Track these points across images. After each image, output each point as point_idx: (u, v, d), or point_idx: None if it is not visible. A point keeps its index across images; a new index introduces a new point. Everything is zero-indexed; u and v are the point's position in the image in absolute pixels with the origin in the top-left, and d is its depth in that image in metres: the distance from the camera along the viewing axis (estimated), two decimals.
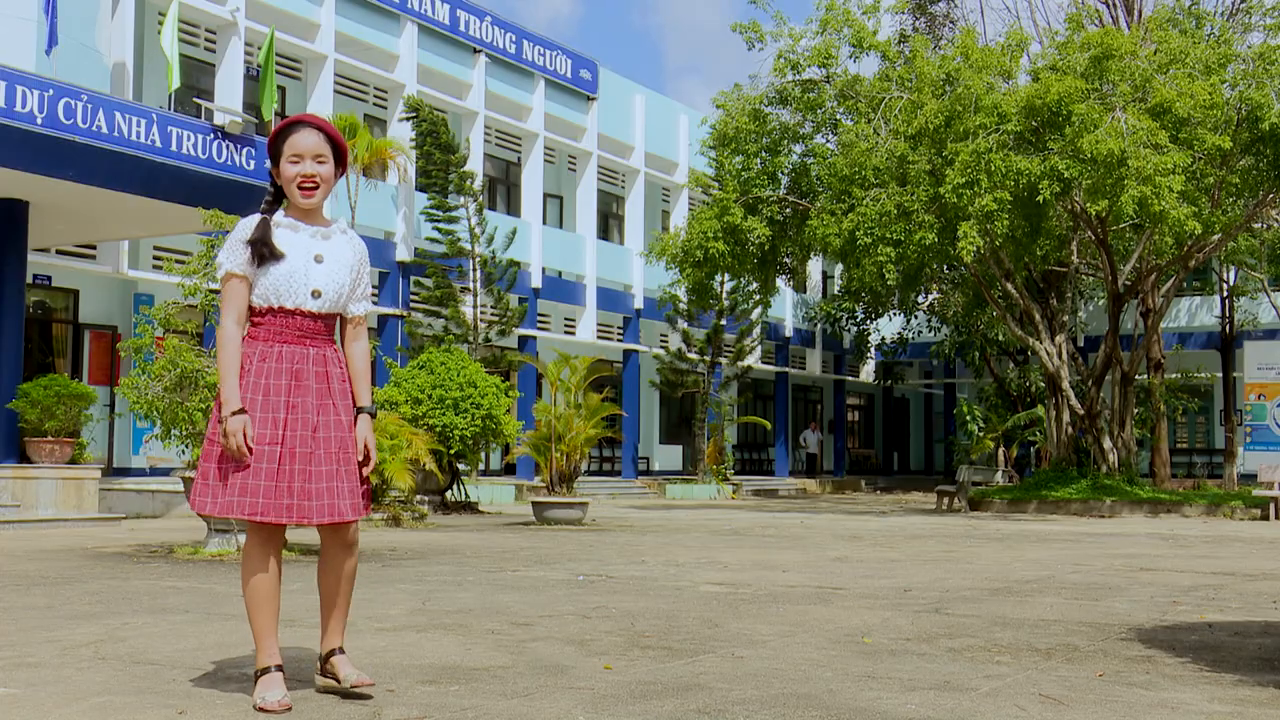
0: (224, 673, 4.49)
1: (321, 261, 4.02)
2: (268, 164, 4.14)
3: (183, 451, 10.59)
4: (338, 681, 4.05)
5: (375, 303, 24.96)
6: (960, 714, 3.91)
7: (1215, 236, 22.64)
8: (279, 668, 3.91)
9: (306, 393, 3.96)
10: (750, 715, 3.85)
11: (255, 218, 4.04)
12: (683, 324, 31.84)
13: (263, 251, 3.95)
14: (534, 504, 16.36)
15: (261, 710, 3.76)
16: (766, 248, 24.77)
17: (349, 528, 4.04)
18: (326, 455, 3.94)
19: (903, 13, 29.17)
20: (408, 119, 25.02)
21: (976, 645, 5.41)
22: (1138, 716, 3.92)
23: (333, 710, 3.85)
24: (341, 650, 4.09)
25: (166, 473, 17.89)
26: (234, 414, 3.84)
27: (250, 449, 3.84)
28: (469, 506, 18.89)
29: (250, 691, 3.98)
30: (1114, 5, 26.36)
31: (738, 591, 7.67)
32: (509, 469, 27.95)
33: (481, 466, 23.88)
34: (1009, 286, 24.31)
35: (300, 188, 4.01)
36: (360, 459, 4.04)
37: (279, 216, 4.05)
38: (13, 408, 15.32)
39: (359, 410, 4.10)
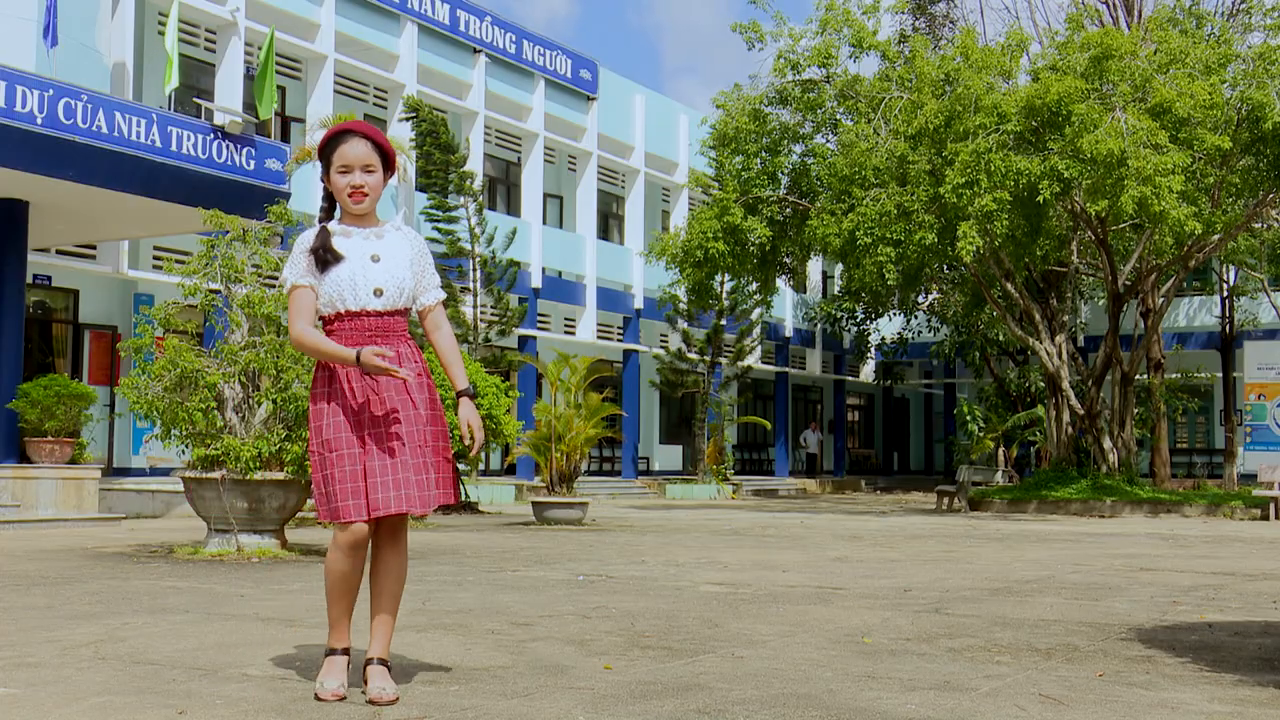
0: (224, 673, 4.49)
1: (379, 260, 4.13)
2: (318, 170, 4.25)
3: (183, 451, 10.60)
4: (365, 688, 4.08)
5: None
6: (960, 714, 3.91)
7: (1215, 236, 22.65)
8: (345, 650, 4.08)
9: (385, 388, 4.04)
10: (750, 715, 3.85)
11: (314, 228, 4.18)
12: (683, 324, 31.84)
13: (325, 257, 4.08)
14: (534, 504, 16.36)
15: (317, 698, 3.97)
16: (766, 248, 24.78)
17: (401, 526, 4.12)
18: (415, 449, 4.03)
19: (903, 13, 29.17)
20: (408, 119, 25.03)
21: (976, 645, 5.41)
22: (1138, 716, 3.93)
23: (332, 711, 3.85)
24: (380, 661, 4.08)
25: (166, 473, 17.88)
26: (357, 356, 3.96)
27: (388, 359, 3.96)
28: (469, 506, 18.89)
29: (250, 689, 3.98)
30: (1114, 5, 26.36)
31: (738, 591, 7.67)
32: (509, 469, 27.95)
33: (481, 466, 23.89)
34: (1009, 286, 24.31)
35: (350, 197, 4.12)
36: (468, 441, 4.14)
37: (333, 225, 4.19)
38: (13, 408, 15.32)
39: (459, 393, 4.21)
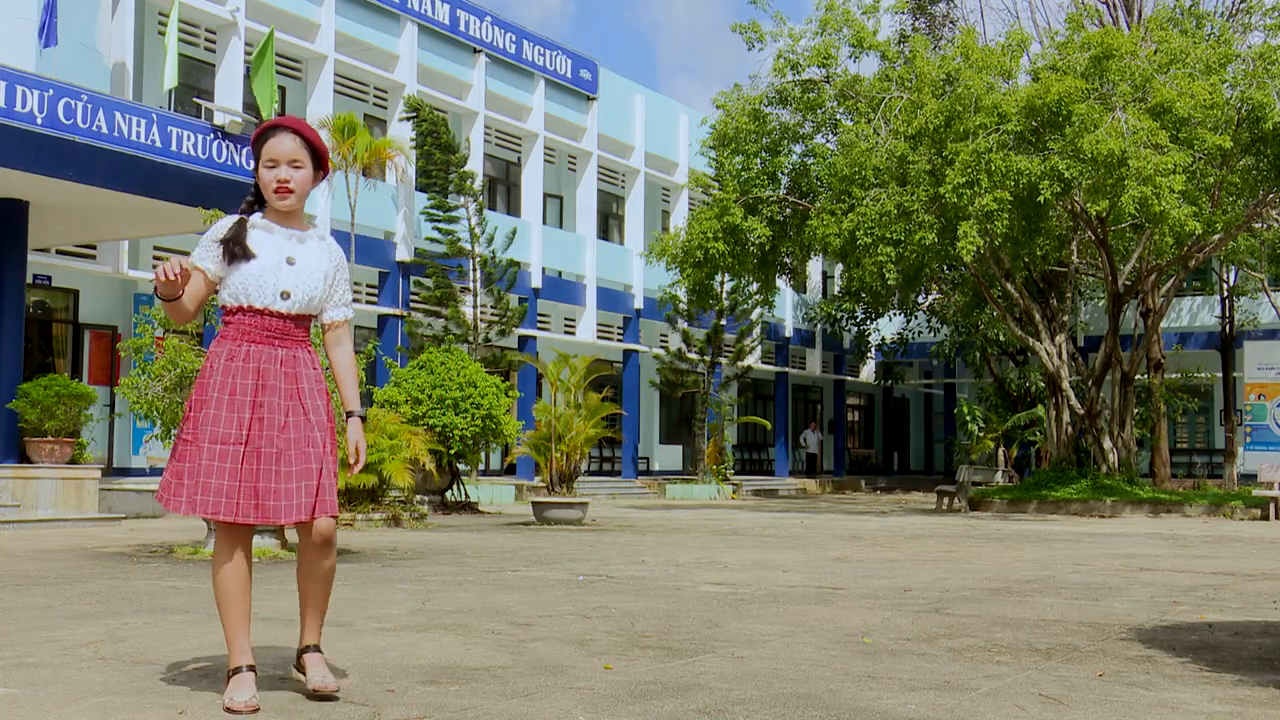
0: (224, 673, 4.48)
1: (294, 264, 4.06)
2: (251, 165, 4.20)
3: None
4: (303, 677, 4.04)
5: (375, 303, 24.96)
6: (960, 714, 3.91)
7: (1215, 236, 22.64)
8: (250, 668, 3.91)
9: (273, 393, 3.98)
10: (750, 715, 3.85)
11: (232, 217, 4.11)
12: (683, 324, 31.84)
13: (234, 250, 4.01)
14: (534, 504, 16.36)
15: (229, 710, 3.75)
16: (766, 248, 24.78)
17: (322, 527, 4.00)
18: (298, 455, 3.95)
19: (903, 13, 29.17)
20: (408, 119, 25.02)
21: (976, 645, 5.41)
22: (1138, 716, 3.92)
23: (332, 711, 3.85)
24: (315, 649, 4.06)
25: None
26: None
27: (180, 271, 3.86)
28: (469, 506, 18.89)
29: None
30: (1114, 5, 26.35)
31: (738, 591, 7.67)
32: (509, 469, 27.95)
33: (481, 466, 23.89)
34: (1009, 286, 24.31)
35: (275, 192, 4.06)
36: (352, 460, 4.09)
37: (256, 218, 4.11)
38: (13, 408, 15.32)
39: (349, 414, 4.15)
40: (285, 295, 4.02)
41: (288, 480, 3.92)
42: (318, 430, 4.01)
